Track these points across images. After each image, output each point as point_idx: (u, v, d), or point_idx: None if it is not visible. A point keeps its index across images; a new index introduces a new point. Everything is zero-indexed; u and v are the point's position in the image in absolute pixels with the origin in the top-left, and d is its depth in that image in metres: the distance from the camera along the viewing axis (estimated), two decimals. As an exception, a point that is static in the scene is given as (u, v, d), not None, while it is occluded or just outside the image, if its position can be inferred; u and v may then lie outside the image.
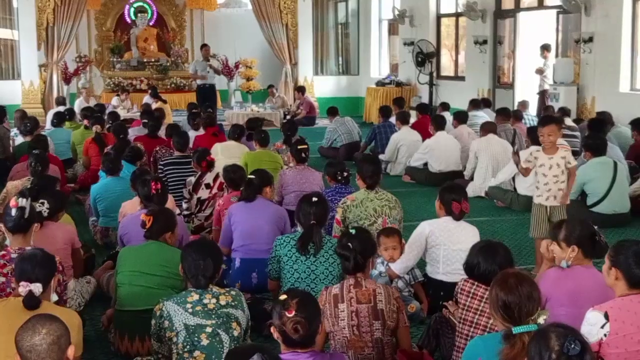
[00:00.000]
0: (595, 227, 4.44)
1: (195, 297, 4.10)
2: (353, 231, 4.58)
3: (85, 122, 11.70)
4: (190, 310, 4.05)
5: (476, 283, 4.20)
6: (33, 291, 3.72)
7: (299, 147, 8.06)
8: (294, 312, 3.30)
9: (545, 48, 14.53)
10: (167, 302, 4.10)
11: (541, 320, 3.26)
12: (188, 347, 4.02)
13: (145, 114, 12.38)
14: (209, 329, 4.02)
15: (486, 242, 4.45)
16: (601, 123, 10.13)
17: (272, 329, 3.41)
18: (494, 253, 4.20)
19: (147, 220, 5.08)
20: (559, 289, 4.27)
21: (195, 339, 4.01)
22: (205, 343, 4.01)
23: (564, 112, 11.88)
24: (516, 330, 3.26)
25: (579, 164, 9.09)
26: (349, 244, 4.38)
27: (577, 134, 11.08)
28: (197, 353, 4.01)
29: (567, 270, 4.34)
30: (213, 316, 4.05)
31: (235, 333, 4.07)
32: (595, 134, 9.35)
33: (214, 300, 4.09)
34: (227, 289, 4.23)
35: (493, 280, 3.55)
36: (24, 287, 3.74)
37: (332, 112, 13.83)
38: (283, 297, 3.40)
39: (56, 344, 2.96)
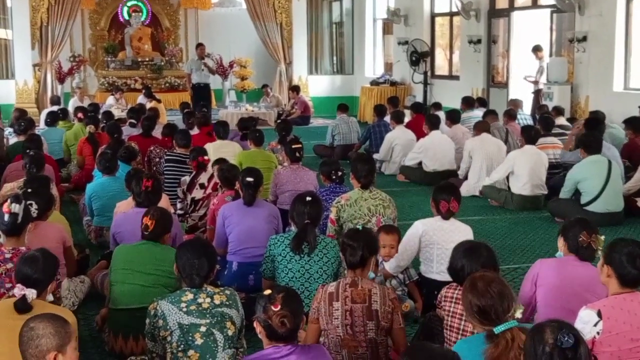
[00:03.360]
0: (593, 234, 4.48)
1: (190, 296, 4.08)
2: (360, 227, 4.58)
3: (80, 115, 11.73)
4: (184, 309, 4.04)
5: (458, 287, 4.16)
6: (27, 296, 3.72)
7: (293, 146, 8.05)
8: (279, 306, 3.33)
9: (537, 49, 14.53)
10: (162, 301, 4.09)
11: (518, 314, 3.30)
12: (182, 346, 4.01)
13: (131, 112, 12.35)
14: (203, 328, 4.01)
15: (469, 243, 4.41)
16: (597, 122, 10.15)
17: (254, 324, 3.43)
18: (477, 254, 4.15)
19: (149, 224, 5.07)
20: (547, 268, 4.56)
21: (190, 338, 4.00)
22: (200, 342, 4.00)
23: (558, 111, 11.92)
24: (497, 329, 3.29)
25: (575, 160, 9.13)
26: (357, 235, 4.39)
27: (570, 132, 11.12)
28: (191, 352, 4.00)
29: (561, 258, 4.62)
30: (207, 315, 4.04)
31: (230, 332, 4.07)
32: (591, 132, 9.36)
33: (208, 300, 4.08)
34: (222, 288, 4.22)
35: (463, 287, 3.56)
36: (19, 290, 3.74)
37: (341, 108, 13.70)
38: (268, 292, 3.44)
39: (33, 341, 3.00)
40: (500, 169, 9.54)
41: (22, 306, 3.70)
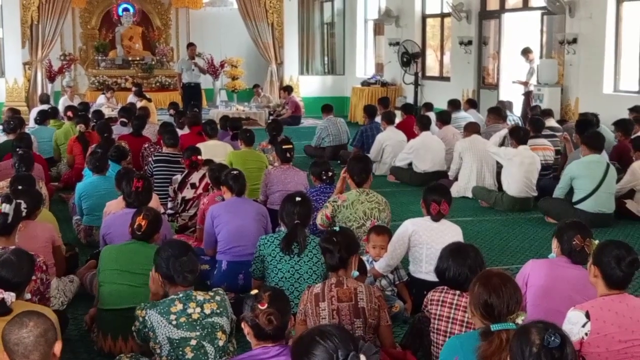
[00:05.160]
0: (587, 238, 4.49)
1: (179, 306, 4.01)
2: (337, 228, 4.61)
3: (70, 113, 11.71)
4: (174, 322, 3.98)
5: (444, 290, 4.19)
6: (5, 300, 3.69)
7: (283, 146, 8.05)
8: (266, 305, 3.34)
9: (526, 52, 14.55)
10: (150, 311, 4.02)
11: (519, 320, 3.30)
12: None
13: (122, 111, 12.34)
14: (193, 342, 3.97)
15: (456, 244, 4.42)
16: (588, 124, 10.18)
17: (242, 324, 3.43)
18: (464, 256, 4.18)
19: (142, 224, 5.06)
20: (538, 269, 4.60)
21: (180, 352, 3.97)
22: (190, 356, 3.97)
23: (546, 113, 11.92)
24: (494, 327, 3.30)
25: (574, 158, 9.13)
26: (334, 238, 4.40)
27: (560, 134, 11.14)
28: (181, 366, 3.98)
29: (552, 259, 4.65)
30: (198, 327, 3.99)
31: (221, 343, 4.04)
32: (595, 131, 9.39)
33: (198, 310, 4.02)
34: (212, 294, 4.16)
35: (475, 278, 3.57)
36: None
37: (326, 109, 13.73)
38: (254, 291, 3.45)
39: (43, 337, 2.95)
40: (500, 157, 9.53)
41: (2, 309, 3.67)
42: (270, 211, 6.59)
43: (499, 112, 11.93)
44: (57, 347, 3.01)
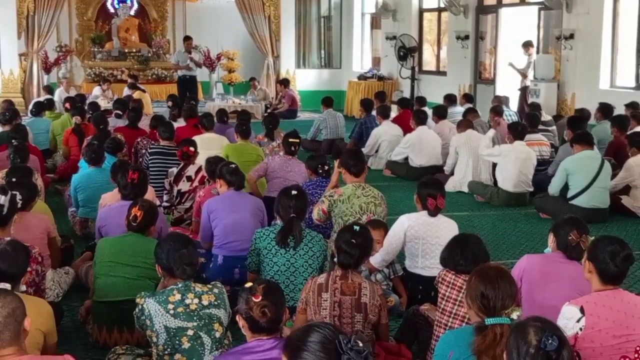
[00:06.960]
0: (584, 234, 4.50)
1: (178, 296, 4.02)
2: (357, 228, 4.54)
3: (68, 105, 11.69)
4: (171, 311, 3.98)
5: (455, 273, 4.24)
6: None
7: (290, 140, 8.03)
8: (260, 297, 3.33)
9: (527, 45, 14.51)
10: (149, 299, 4.03)
11: (514, 315, 3.31)
12: (169, 349, 3.98)
13: (117, 103, 12.30)
14: (190, 332, 3.98)
15: (462, 235, 4.48)
16: (580, 121, 10.20)
17: (237, 317, 3.43)
18: (469, 246, 4.26)
19: (138, 215, 5.06)
20: (533, 264, 4.61)
21: (177, 342, 3.97)
22: (187, 346, 3.97)
23: (535, 108, 11.93)
24: (488, 321, 3.32)
25: (566, 155, 9.15)
26: (353, 240, 4.38)
27: (553, 128, 11.18)
28: (177, 356, 3.97)
29: (548, 254, 4.67)
30: (195, 318, 3.99)
31: (217, 334, 4.04)
32: (582, 129, 9.44)
33: (196, 301, 4.03)
34: (210, 286, 4.17)
35: (473, 271, 3.60)
36: None
37: (326, 102, 13.68)
38: (249, 284, 3.45)
39: (12, 316, 2.99)
40: (494, 156, 9.53)
41: None
42: (270, 199, 6.56)
43: (474, 110, 12.07)
44: (27, 323, 3.05)
